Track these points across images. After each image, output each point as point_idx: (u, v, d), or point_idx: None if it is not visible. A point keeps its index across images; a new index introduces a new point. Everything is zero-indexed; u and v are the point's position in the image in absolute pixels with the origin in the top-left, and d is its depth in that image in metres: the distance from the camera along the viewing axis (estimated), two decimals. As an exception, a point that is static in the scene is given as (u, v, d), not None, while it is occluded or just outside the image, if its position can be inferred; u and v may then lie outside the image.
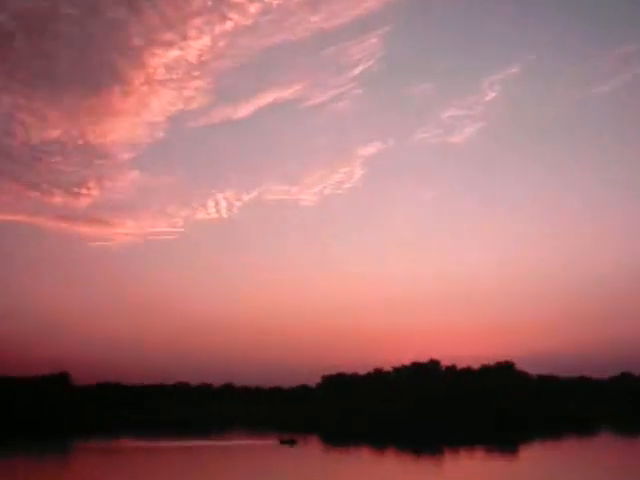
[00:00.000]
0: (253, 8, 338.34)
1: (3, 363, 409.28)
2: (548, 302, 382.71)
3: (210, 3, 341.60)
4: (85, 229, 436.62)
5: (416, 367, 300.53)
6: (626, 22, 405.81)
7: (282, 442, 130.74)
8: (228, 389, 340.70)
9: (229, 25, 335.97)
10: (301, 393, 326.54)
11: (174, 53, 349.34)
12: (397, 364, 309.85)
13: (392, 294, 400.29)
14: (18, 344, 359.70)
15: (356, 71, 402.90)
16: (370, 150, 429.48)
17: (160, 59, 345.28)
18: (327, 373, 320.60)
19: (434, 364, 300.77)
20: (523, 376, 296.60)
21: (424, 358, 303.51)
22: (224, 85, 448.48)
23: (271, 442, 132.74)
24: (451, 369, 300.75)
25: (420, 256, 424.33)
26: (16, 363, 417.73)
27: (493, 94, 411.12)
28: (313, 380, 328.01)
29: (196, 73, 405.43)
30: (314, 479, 79.08)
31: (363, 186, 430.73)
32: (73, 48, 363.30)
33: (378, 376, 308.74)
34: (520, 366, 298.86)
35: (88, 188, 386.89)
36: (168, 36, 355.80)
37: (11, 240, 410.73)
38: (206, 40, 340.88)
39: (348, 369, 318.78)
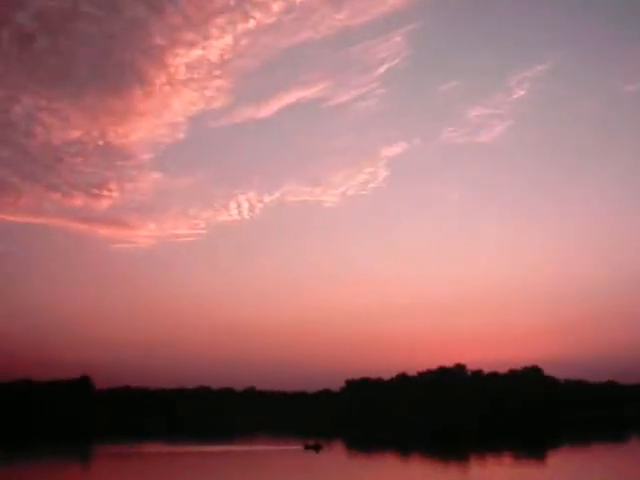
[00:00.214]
0: (276, 6, 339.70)
1: (24, 367, 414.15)
2: (576, 305, 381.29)
3: (233, 2, 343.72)
4: (105, 231, 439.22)
5: (442, 372, 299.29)
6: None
7: (307, 447, 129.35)
8: (250, 393, 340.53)
9: (252, 24, 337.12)
10: (324, 398, 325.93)
11: (196, 52, 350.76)
12: (422, 369, 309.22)
13: (417, 297, 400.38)
14: (39, 347, 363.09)
15: (381, 70, 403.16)
16: (395, 150, 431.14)
17: (182, 59, 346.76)
18: (351, 378, 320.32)
19: (460, 369, 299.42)
20: (551, 381, 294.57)
21: (450, 362, 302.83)
22: (246, 85, 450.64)
23: (296, 448, 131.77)
24: (477, 374, 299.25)
25: (446, 259, 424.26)
26: (37, 367, 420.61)
27: (521, 92, 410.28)
28: (337, 385, 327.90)
29: (218, 72, 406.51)
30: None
31: (387, 187, 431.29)
32: (94, 48, 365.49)
33: (403, 381, 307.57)
34: (548, 371, 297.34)
35: (109, 189, 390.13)
36: (190, 35, 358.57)
37: (31, 242, 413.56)
38: (228, 39, 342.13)
39: (372, 374, 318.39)
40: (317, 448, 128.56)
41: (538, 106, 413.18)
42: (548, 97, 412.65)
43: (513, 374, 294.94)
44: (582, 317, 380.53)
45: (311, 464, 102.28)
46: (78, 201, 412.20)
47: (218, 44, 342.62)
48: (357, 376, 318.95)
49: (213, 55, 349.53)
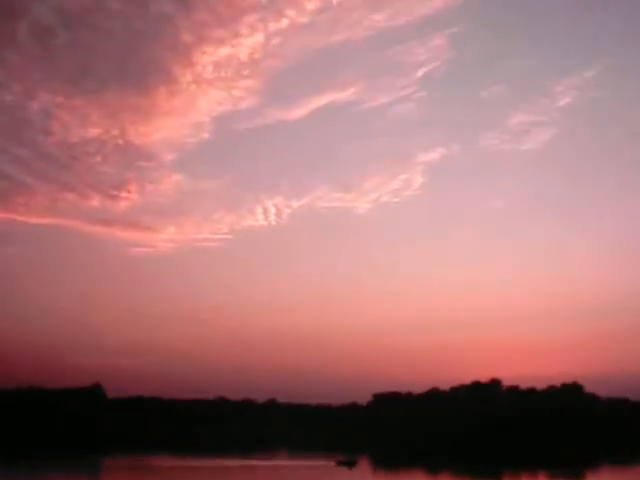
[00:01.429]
0: (311, 5, 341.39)
1: (33, 373, 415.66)
2: (620, 319, 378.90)
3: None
4: (124, 234, 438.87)
5: (476, 387, 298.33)
6: None
7: (340, 463, 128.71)
8: (271, 405, 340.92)
9: (284, 23, 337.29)
10: (350, 412, 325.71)
11: (224, 51, 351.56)
12: (455, 383, 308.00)
13: (451, 309, 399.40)
14: (50, 353, 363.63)
15: (419, 73, 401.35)
16: (432, 156, 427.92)
17: (209, 57, 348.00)
18: (379, 391, 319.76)
19: (495, 384, 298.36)
20: (592, 398, 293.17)
21: (485, 377, 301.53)
22: (276, 85, 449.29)
23: (326, 463, 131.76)
24: (513, 389, 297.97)
25: (483, 269, 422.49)
26: (47, 373, 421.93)
27: (567, 99, 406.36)
28: (364, 398, 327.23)
29: (247, 72, 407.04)
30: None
31: (423, 194, 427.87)
32: (116, 43, 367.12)
33: (434, 396, 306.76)
34: (589, 387, 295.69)
35: (128, 191, 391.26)
36: (219, 33, 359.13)
37: (45, 244, 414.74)
38: (259, 38, 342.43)
39: (402, 387, 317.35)
40: (351, 464, 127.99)
41: (584, 114, 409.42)
42: (595, 105, 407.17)
43: (552, 390, 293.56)
44: (626, 332, 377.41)
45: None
46: (95, 202, 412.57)
47: (248, 42, 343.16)
48: (386, 390, 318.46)
49: (242, 54, 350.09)
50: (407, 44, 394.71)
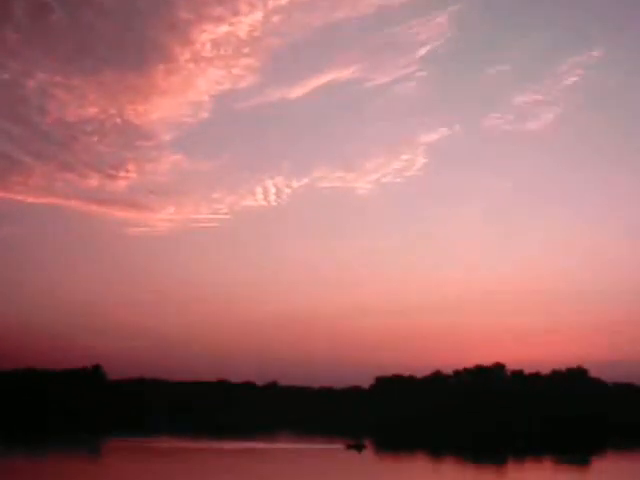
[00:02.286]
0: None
1: (31, 354, 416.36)
2: (626, 304, 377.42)
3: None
4: (122, 214, 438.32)
5: (479, 371, 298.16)
6: None
7: (349, 447, 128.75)
8: (273, 388, 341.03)
9: (284, 0, 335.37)
10: (353, 395, 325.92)
11: (223, 28, 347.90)
12: (459, 367, 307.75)
13: (455, 291, 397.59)
14: (49, 335, 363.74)
15: (422, 52, 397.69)
16: (434, 136, 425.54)
17: (208, 35, 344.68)
18: (382, 374, 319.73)
19: (499, 368, 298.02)
20: (597, 383, 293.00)
21: (488, 361, 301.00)
22: (276, 64, 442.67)
23: (336, 447, 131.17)
24: (518, 374, 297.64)
25: (487, 251, 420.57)
26: (45, 355, 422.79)
27: (573, 79, 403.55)
28: (366, 381, 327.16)
29: (246, 50, 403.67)
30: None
31: (425, 175, 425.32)
32: (114, 21, 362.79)
33: (437, 379, 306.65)
34: (594, 372, 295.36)
35: (126, 170, 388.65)
36: (217, 10, 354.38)
37: (43, 224, 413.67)
38: (258, 15, 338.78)
39: (404, 371, 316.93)
40: (360, 448, 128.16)
41: (590, 93, 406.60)
42: (601, 84, 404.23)
43: (556, 375, 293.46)
44: (632, 317, 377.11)
45: (366, 467, 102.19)
46: (93, 182, 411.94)
47: (247, 20, 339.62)
48: (388, 373, 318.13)
49: (242, 32, 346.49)
50: (409, 22, 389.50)
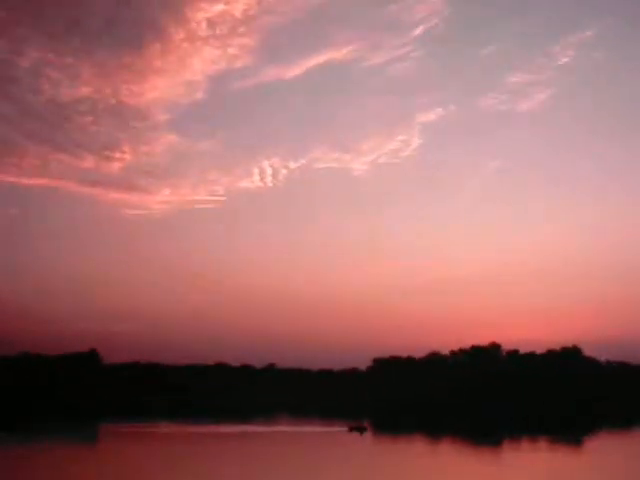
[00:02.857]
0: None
1: (26, 338, 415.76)
2: (620, 282, 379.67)
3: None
4: (117, 196, 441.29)
5: (476, 351, 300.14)
6: None
7: (352, 429, 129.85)
8: (271, 371, 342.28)
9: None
10: (351, 376, 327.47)
11: (219, 7, 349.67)
12: (455, 348, 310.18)
13: (451, 272, 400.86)
14: (43, 318, 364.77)
15: (417, 31, 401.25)
16: (430, 116, 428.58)
17: (203, 13, 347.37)
18: (379, 356, 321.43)
19: (495, 348, 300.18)
20: (591, 362, 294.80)
21: (484, 342, 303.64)
22: (272, 43, 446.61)
23: (339, 429, 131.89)
24: (513, 354, 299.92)
25: (483, 232, 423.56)
26: (41, 339, 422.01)
27: (565, 59, 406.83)
28: (364, 363, 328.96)
29: (242, 29, 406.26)
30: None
31: (421, 155, 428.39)
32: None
33: (434, 360, 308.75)
34: (588, 351, 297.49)
35: (121, 151, 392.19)
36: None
37: (37, 206, 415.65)
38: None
39: (402, 352, 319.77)
40: (362, 430, 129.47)
41: (583, 74, 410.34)
42: (593, 65, 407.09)
43: (551, 355, 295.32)
44: (626, 295, 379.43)
45: (368, 449, 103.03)
46: (87, 163, 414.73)
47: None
48: (386, 354, 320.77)
49: (237, 10, 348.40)
50: (405, 2, 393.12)
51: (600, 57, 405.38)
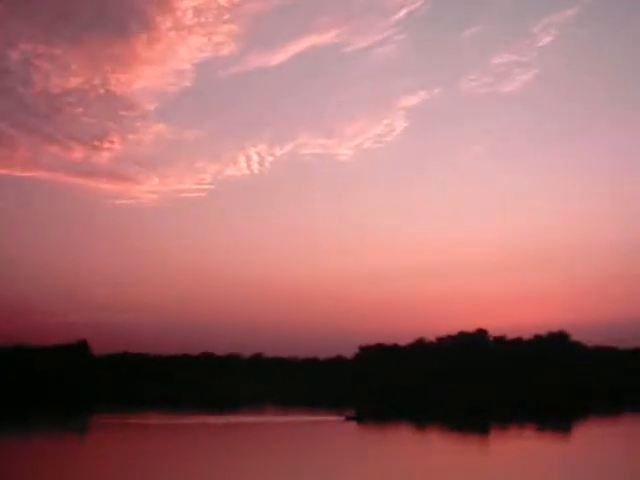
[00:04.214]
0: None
1: (15, 330, 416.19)
2: (607, 266, 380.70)
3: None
4: (107, 186, 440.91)
5: (462, 337, 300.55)
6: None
7: (348, 419, 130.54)
8: (258, 360, 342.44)
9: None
10: (337, 364, 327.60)
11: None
12: (441, 334, 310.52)
13: (435, 258, 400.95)
14: (32, 310, 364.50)
15: (400, 14, 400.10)
16: (414, 100, 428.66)
17: (189, 2, 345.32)
18: (365, 343, 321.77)
19: (481, 334, 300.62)
20: (579, 347, 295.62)
21: (471, 328, 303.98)
22: (257, 30, 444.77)
23: (336, 418, 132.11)
24: (500, 339, 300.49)
25: (467, 216, 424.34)
26: (29, 330, 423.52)
27: (547, 39, 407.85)
28: (350, 351, 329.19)
29: (227, 17, 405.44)
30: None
31: (406, 139, 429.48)
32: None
33: (420, 347, 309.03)
34: (575, 336, 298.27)
35: (110, 141, 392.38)
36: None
37: (27, 197, 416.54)
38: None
39: (388, 339, 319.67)
40: (361, 419, 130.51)
41: (565, 53, 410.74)
42: (576, 44, 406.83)
43: (538, 340, 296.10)
44: (613, 279, 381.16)
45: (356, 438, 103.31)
46: (78, 153, 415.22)
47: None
48: (371, 342, 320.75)
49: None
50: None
51: (583, 36, 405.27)
